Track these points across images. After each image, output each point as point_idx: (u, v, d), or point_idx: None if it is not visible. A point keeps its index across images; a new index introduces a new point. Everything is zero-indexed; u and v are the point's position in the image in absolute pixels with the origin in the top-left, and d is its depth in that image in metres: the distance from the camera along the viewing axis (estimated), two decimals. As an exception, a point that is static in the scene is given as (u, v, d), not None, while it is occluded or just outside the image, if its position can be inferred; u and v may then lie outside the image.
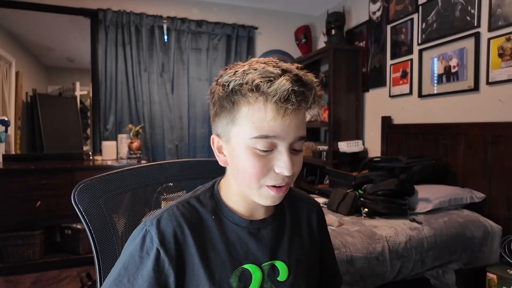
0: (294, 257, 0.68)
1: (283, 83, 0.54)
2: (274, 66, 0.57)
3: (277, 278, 0.65)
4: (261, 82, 0.55)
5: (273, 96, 0.54)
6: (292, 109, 0.55)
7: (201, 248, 0.61)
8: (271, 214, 0.69)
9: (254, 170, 0.57)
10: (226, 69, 0.61)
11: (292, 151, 0.59)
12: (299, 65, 0.61)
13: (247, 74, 0.56)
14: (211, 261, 0.61)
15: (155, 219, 0.61)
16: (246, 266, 0.62)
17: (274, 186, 0.59)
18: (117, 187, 0.83)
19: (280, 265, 0.65)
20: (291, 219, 0.71)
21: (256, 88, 0.55)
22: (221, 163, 0.65)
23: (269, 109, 0.55)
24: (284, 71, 0.56)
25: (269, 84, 0.54)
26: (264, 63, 0.59)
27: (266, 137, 0.56)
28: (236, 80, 0.56)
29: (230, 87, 0.57)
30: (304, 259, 0.69)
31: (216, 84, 0.61)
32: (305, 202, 0.77)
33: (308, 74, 0.60)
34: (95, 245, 0.77)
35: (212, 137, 0.65)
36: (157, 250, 0.58)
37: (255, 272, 0.63)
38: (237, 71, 0.58)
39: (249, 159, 0.57)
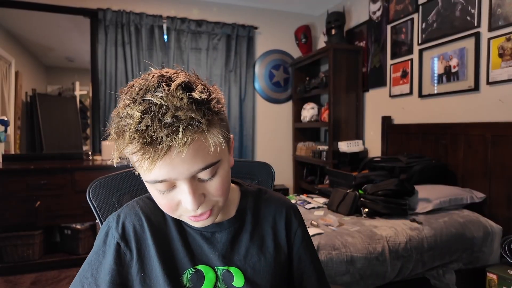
0: (251, 264, 0.63)
1: (136, 122, 0.45)
2: (135, 102, 0.47)
3: (232, 283, 0.62)
4: (120, 120, 0.48)
5: (135, 141, 0.46)
6: (164, 152, 0.46)
7: (158, 242, 0.62)
8: (229, 218, 0.66)
9: (164, 208, 0.56)
10: (130, 86, 0.51)
11: (200, 180, 0.53)
12: (176, 83, 0.47)
13: (124, 103, 0.48)
14: (166, 257, 0.61)
15: (116, 214, 0.64)
16: (199, 267, 0.62)
17: (193, 216, 0.55)
18: (130, 185, 0.85)
19: (235, 271, 0.63)
20: (253, 223, 0.67)
21: (120, 132, 0.48)
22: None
23: (142, 155, 0.46)
24: (143, 102, 0.46)
25: (125, 125, 0.47)
26: (132, 99, 0.48)
27: (156, 181, 0.50)
28: (117, 113, 0.50)
29: (114, 126, 0.50)
30: (265, 267, 0.64)
31: (113, 116, 0.52)
32: (274, 205, 0.70)
33: (183, 95, 0.47)
34: None
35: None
36: (117, 243, 0.61)
37: (208, 273, 0.61)
38: (128, 93, 0.50)
39: (155, 196, 0.55)
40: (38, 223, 2.60)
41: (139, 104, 0.46)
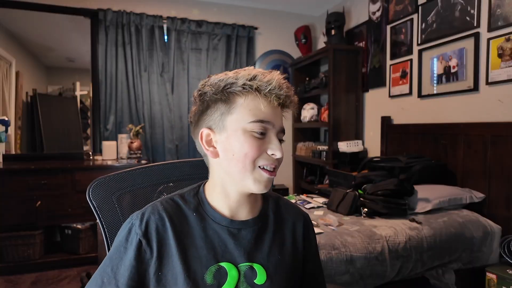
0: (273, 262, 0.69)
1: (275, 77, 0.64)
2: (264, 73, 0.66)
3: (254, 281, 0.66)
4: (258, 73, 0.64)
5: (267, 87, 0.63)
6: (281, 100, 0.65)
7: (180, 241, 0.64)
8: (254, 217, 0.71)
9: (252, 150, 0.63)
10: (210, 76, 0.68)
11: (278, 140, 0.66)
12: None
13: (239, 73, 0.65)
14: (188, 255, 0.63)
15: (140, 213, 0.66)
16: (222, 264, 0.64)
17: (266, 170, 0.64)
18: (130, 184, 0.86)
19: (258, 268, 0.67)
20: (275, 225, 0.73)
21: (253, 79, 0.63)
22: (212, 156, 0.68)
23: (262, 99, 0.64)
24: (274, 71, 0.66)
25: (264, 75, 0.64)
26: (245, 69, 0.67)
27: (261, 121, 0.63)
28: (228, 79, 0.64)
29: (223, 84, 0.64)
30: (284, 266, 0.70)
31: (205, 86, 0.67)
32: (292, 211, 0.78)
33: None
34: (107, 240, 0.80)
35: (200, 131, 0.68)
36: (139, 241, 0.62)
37: (231, 271, 0.64)
38: (226, 74, 0.65)
39: (247, 140, 0.63)
40: (39, 223, 2.60)
41: (271, 73, 0.65)
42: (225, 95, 0.64)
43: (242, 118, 0.63)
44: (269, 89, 0.63)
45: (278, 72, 0.66)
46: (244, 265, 0.66)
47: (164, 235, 0.64)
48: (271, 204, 0.75)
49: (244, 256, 0.66)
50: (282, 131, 0.67)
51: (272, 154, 0.64)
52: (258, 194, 0.73)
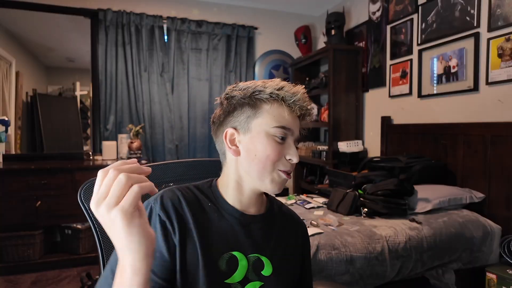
0: (278, 257, 0.75)
1: (300, 91, 0.71)
2: (289, 83, 0.72)
3: (262, 272, 0.71)
4: (285, 84, 0.71)
5: (291, 97, 0.70)
6: (302, 111, 0.72)
7: (198, 226, 0.67)
8: (262, 213, 0.77)
9: (274, 153, 0.69)
10: (237, 82, 0.74)
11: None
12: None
13: (267, 83, 0.71)
14: (205, 241, 0.67)
15: (158, 196, 0.68)
16: (234, 252, 0.69)
17: (284, 171, 0.70)
18: None
19: (265, 260, 0.72)
20: (280, 225, 0.79)
21: (280, 89, 0.70)
22: (233, 154, 0.72)
23: (287, 108, 0.70)
24: (298, 85, 0.73)
25: (290, 87, 0.71)
26: (273, 80, 0.73)
27: (283, 127, 0.69)
28: (258, 85, 0.70)
29: (252, 90, 0.70)
30: (287, 262, 0.77)
31: (233, 90, 0.73)
32: (294, 217, 0.86)
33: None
34: (100, 243, 0.79)
35: (226, 130, 0.73)
36: (163, 222, 0.65)
37: (242, 260, 0.69)
38: (255, 83, 0.72)
39: (270, 143, 0.69)
40: (39, 223, 2.60)
41: (296, 87, 0.72)
42: (252, 101, 0.70)
43: (267, 123, 0.69)
44: (293, 100, 0.70)
45: (303, 86, 0.73)
46: (252, 256, 0.71)
47: (184, 218, 0.67)
48: (275, 207, 0.82)
49: (253, 247, 0.71)
50: (298, 139, 0.74)
51: (290, 159, 0.70)
52: (265, 194, 0.80)
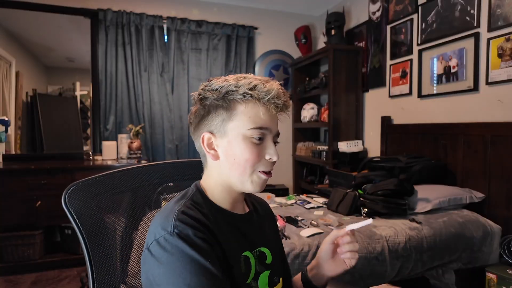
0: (274, 244, 0.81)
1: (274, 86, 0.68)
2: (262, 78, 0.70)
3: (266, 262, 0.75)
4: (258, 83, 0.67)
5: (266, 96, 0.67)
6: (276, 107, 0.69)
7: (216, 240, 0.65)
8: (250, 210, 0.79)
9: (252, 155, 0.67)
10: (210, 80, 0.71)
11: (274, 143, 0.72)
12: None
13: (240, 80, 0.68)
14: (224, 251, 0.66)
15: (176, 221, 0.60)
16: (244, 253, 0.71)
17: (264, 172, 0.70)
18: (110, 188, 0.82)
19: (265, 251, 0.76)
20: (261, 213, 0.84)
21: (253, 88, 0.66)
22: (212, 158, 0.71)
23: (261, 106, 0.68)
24: (271, 80, 0.69)
25: (264, 85, 0.67)
26: (245, 77, 0.70)
27: (260, 128, 0.68)
28: (230, 85, 0.67)
29: (225, 90, 0.67)
30: (280, 246, 0.87)
31: (205, 90, 0.70)
32: (262, 201, 0.90)
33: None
34: (87, 249, 0.75)
35: (203, 135, 0.71)
36: (204, 238, 0.60)
37: (252, 258, 0.72)
38: (226, 80, 0.69)
39: (247, 146, 0.67)
40: (39, 223, 2.60)
41: (269, 83, 0.69)
42: (226, 102, 0.68)
43: (243, 125, 0.67)
44: (268, 98, 0.67)
45: (277, 82, 0.70)
46: (256, 251, 0.74)
47: (208, 230, 0.64)
48: (248, 198, 0.83)
49: (254, 243, 0.74)
50: (277, 134, 0.72)
51: (270, 158, 0.70)
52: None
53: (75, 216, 0.74)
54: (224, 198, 0.72)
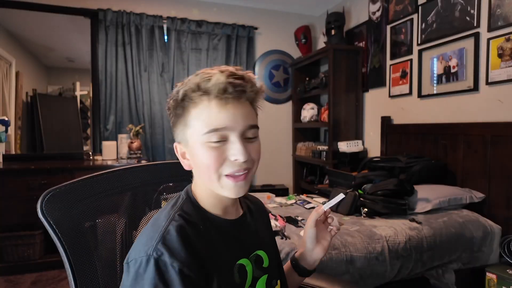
0: (269, 246, 0.78)
1: (218, 78, 0.60)
2: (212, 69, 0.63)
3: (263, 265, 0.72)
4: (201, 81, 0.61)
5: (213, 90, 0.60)
6: (233, 99, 0.61)
7: (207, 254, 0.61)
8: (243, 212, 0.75)
9: (210, 160, 0.61)
10: (176, 85, 0.66)
11: (246, 139, 0.64)
12: (238, 67, 0.66)
13: (189, 80, 0.63)
14: (217, 264, 0.62)
15: (159, 242, 0.56)
16: (239, 262, 0.67)
17: (232, 176, 0.62)
18: (94, 193, 0.79)
19: (262, 254, 0.73)
20: (256, 215, 0.80)
21: (198, 88, 0.61)
22: (186, 167, 0.69)
23: (213, 104, 0.61)
24: (221, 71, 0.62)
25: (207, 81, 0.60)
26: (197, 74, 0.64)
27: (216, 130, 0.60)
28: (183, 88, 0.62)
29: (180, 95, 0.62)
30: (274, 247, 0.84)
31: (169, 99, 0.67)
32: (256, 201, 0.86)
33: (247, 71, 0.66)
34: (69, 260, 0.69)
35: (174, 145, 0.70)
36: (180, 271, 0.54)
37: (248, 265, 0.68)
38: (184, 81, 0.64)
39: (205, 152, 0.61)
40: (39, 223, 2.57)
41: (213, 69, 0.62)
42: (181, 110, 0.64)
43: (197, 131, 0.62)
44: (218, 89, 0.60)
45: (225, 67, 0.63)
46: (253, 255, 0.71)
47: (194, 253, 0.58)
48: (241, 198, 0.78)
49: (250, 247, 0.71)
50: (249, 128, 0.63)
51: (235, 160, 0.61)
52: None
53: (54, 226, 0.68)
54: (214, 204, 0.67)
